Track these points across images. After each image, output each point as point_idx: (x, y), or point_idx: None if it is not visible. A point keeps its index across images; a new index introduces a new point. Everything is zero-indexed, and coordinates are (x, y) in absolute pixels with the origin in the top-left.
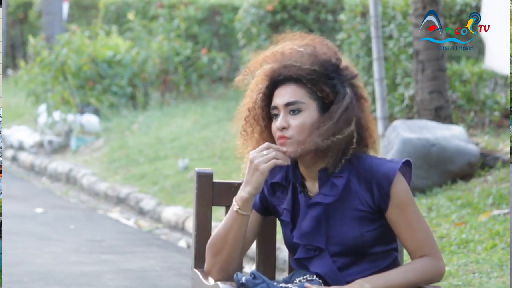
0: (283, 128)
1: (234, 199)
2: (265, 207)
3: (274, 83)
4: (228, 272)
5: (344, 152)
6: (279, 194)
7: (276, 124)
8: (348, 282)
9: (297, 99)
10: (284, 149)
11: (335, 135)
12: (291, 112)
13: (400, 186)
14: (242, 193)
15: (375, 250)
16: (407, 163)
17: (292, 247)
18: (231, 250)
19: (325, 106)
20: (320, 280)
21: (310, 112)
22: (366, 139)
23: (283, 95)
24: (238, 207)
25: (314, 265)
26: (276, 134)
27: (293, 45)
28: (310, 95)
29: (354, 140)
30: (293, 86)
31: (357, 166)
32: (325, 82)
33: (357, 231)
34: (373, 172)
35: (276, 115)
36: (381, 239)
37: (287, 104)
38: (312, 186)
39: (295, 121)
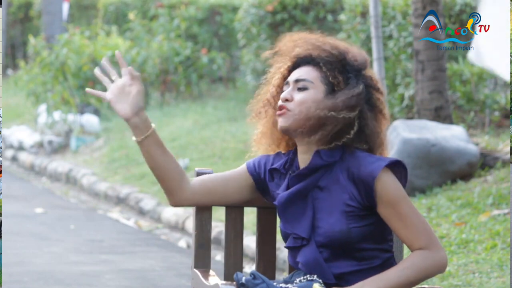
0: (286, 100)
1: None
2: (261, 181)
3: (296, 65)
4: (176, 197)
5: (336, 137)
6: (277, 180)
7: (281, 95)
8: (335, 274)
9: (306, 78)
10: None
11: (330, 111)
12: (298, 89)
13: (386, 182)
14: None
15: (363, 247)
16: (398, 163)
17: (285, 237)
18: (160, 176)
19: (333, 93)
20: (321, 280)
21: (315, 92)
22: (368, 137)
23: (297, 73)
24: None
25: (300, 255)
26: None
27: (318, 35)
28: (322, 78)
29: (352, 131)
30: (309, 67)
31: (349, 161)
32: (341, 71)
33: (344, 225)
34: (360, 168)
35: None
36: (371, 237)
37: (297, 80)
38: None
39: (298, 96)
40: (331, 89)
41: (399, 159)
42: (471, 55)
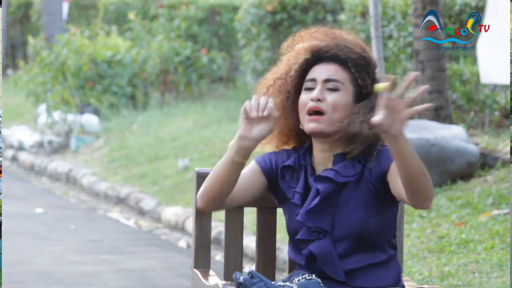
0: (318, 100)
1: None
2: (273, 180)
3: (316, 59)
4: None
5: (373, 144)
6: (288, 178)
7: (312, 94)
8: (345, 271)
9: (337, 78)
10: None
11: (374, 128)
12: (328, 89)
13: None
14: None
15: (377, 240)
16: None
17: (294, 232)
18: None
19: (360, 96)
20: (319, 280)
21: (346, 94)
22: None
23: (325, 71)
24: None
25: (313, 246)
26: (308, 104)
27: (342, 32)
28: (351, 80)
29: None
30: (337, 66)
31: (368, 156)
32: (368, 73)
33: (362, 215)
34: (381, 156)
35: (310, 89)
36: (384, 230)
37: (327, 80)
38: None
39: (330, 97)
40: (359, 92)
41: None
42: (481, 76)
